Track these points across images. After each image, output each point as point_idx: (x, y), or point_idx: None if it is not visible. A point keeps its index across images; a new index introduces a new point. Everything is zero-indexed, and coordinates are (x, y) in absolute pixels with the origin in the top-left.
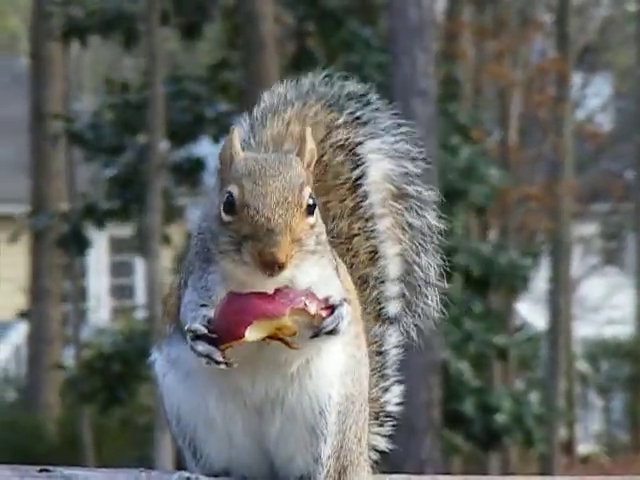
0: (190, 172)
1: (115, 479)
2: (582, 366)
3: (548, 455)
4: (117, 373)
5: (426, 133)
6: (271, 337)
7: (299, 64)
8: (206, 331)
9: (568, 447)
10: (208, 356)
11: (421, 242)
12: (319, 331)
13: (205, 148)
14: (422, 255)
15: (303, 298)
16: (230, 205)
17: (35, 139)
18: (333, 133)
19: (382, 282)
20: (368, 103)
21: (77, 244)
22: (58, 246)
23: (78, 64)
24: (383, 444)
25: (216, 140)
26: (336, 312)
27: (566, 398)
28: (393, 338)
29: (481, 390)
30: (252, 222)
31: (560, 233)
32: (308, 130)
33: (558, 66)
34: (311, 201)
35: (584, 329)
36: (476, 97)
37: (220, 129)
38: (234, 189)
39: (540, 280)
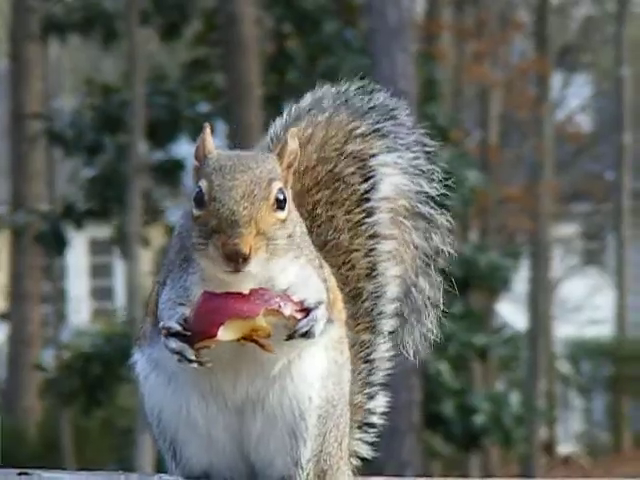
0: (169, 173)
1: None
2: (563, 366)
3: (528, 456)
4: (97, 375)
5: None
6: (245, 338)
7: (278, 65)
8: (180, 328)
9: (548, 447)
10: (180, 353)
11: (423, 264)
12: (293, 333)
13: (184, 149)
14: (421, 278)
15: (278, 299)
16: (199, 199)
17: (14, 140)
18: (349, 143)
19: (377, 297)
20: (392, 117)
21: (56, 243)
22: (36, 242)
23: (57, 66)
24: (365, 450)
25: (195, 140)
26: (311, 315)
27: (547, 398)
28: (383, 348)
29: (461, 391)
30: (217, 215)
31: (540, 234)
32: (292, 131)
33: (538, 67)
34: (281, 196)
35: (565, 329)
36: (456, 98)
37: (199, 129)
38: (203, 183)
39: (520, 281)
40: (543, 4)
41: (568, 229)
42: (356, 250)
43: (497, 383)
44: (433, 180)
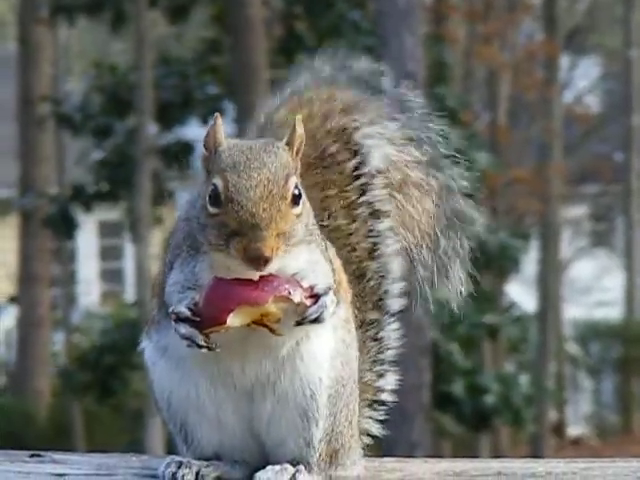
0: (179, 155)
1: (106, 464)
2: (572, 348)
3: (538, 437)
4: (110, 365)
5: None
6: (255, 322)
7: (287, 48)
8: (189, 314)
9: (558, 429)
10: (190, 339)
11: (440, 227)
12: (303, 319)
13: (194, 131)
14: (442, 239)
15: (287, 286)
16: (215, 198)
17: (23, 123)
18: (330, 119)
19: (382, 276)
20: (371, 87)
21: (65, 226)
22: (46, 226)
23: (66, 49)
24: (376, 429)
25: (205, 122)
26: (320, 301)
27: (556, 380)
28: (391, 326)
29: (471, 372)
30: (237, 217)
31: (549, 215)
32: (299, 117)
33: (547, 49)
34: (297, 191)
35: (574, 311)
36: (465, 80)
37: (209, 111)
38: (218, 181)
39: (530, 262)
40: None
41: (577, 210)
42: (355, 233)
43: (506, 365)
44: (423, 144)
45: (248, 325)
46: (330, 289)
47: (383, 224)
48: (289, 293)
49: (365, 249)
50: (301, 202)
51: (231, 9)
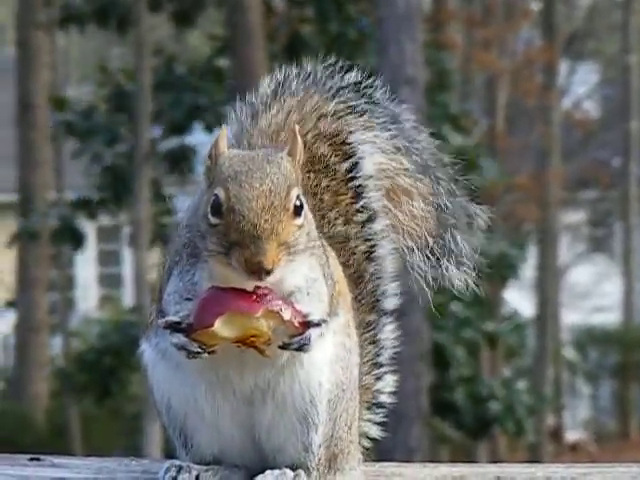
0: (181, 160)
1: (106, 468)
2: (570, 354)
3: (536, 443)
4: (109, 366)
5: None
6: (245, 343)
7: (293, 52)
8: (177, 320)
9: (556, 434)
10: (184, 347)
11: (411, 240)
12: (287, 345)
13: (197, 137)
14: (414, 254)
15: (280, 302)
16: (217, 208)
17: (22, 129)
18: (323, 122)
19: (378, 278)
20: (365, 95)
21: (72, 239)
22: (52, 243)
23: (65, 53)
24: (375, 431)
25: (208, 129)
26: (307, 332)
27: (554, 386)
28: (388, 328)
29: (472, 379)
30: (238, 228)
31: (548, 221)
32: (297, 127)
33: (546, 55)
34: (298, 202)
35: (572, 316)
36: (464, 86)
37: (213, 118)
38: (220, 192)
39: (528, 268)
40: None
41: (575, 216)
42: (353, 238)
43: (504, 371)
44: (412, 154)
45: (237, 346)
46: (324, 321)
47: (378, 225)
48: (280, 309)
49: (362, 252)
50: (303, 213)
51: (232, 15)
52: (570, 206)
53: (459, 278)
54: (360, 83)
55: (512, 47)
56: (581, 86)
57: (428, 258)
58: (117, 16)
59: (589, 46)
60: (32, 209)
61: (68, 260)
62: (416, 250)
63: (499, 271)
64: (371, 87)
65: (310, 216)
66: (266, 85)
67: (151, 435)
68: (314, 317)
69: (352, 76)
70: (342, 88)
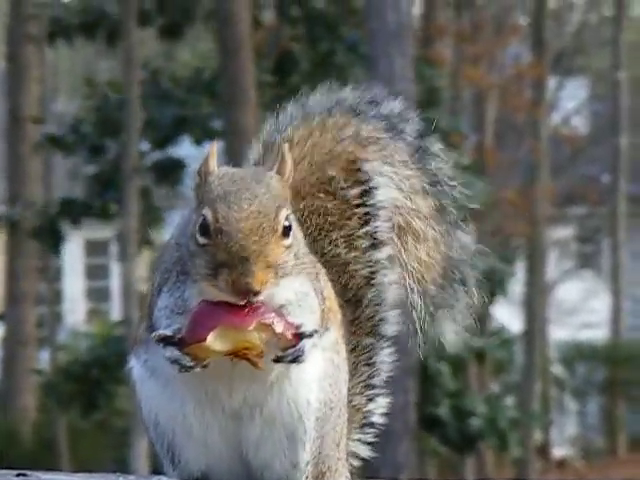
0: (169, 173)
1: None
2: (557, 370)
3: (523, 459)
4: (95, 379)
5: None
6: (237, 355)
7: (282, 68)
8: (170, 334)
9: (543, 451)
10: (177, 361)
11: (413, 284)
12: (281, 357)
13: (186, 149)
14: (414, 296)
15: (272, 315)
16: (205, 228)
17: (11, 142)
18: (340, 144)
19: (377, 304)
20: (396, 128)
21: (52, 238)
22: (32, 238)
23: (54, 66)
24: (364, 451)
25: (197, 142)
26: (301, 344)
27: (541, 402)
28: (385, 352)
29: (457, 394)
30: (226, 249)
31: (536, 237)
32: (285, 146)
33: (535, 71)
34: (287, 223)
35: (560, 333)
36: (453, 101)
37: (204, 131)
38: (208, 212)
39: (516, 283)
40: (540, 8)
41: (564, 232)
42: (354, 262)
43: (492, 386)
44: (428, 195)
45: (231, 358)
46: (316, 331)
47: (382, 254)
48: (273, 322)
49: (363, 277)
50: (291, 234)
51: (220, 27)
52: (558, 222)
53: (450, 333)
54: (390, 115)
55: (501, 62)
56: (570, 101)
57: (426, 305)
58: (106, 30)
59: (578, 62)
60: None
61: (56, 273)
62: (416, 293)
63: (487, 287)
64: (406, 121)
65: (300, 236)
66: (295, 105)
67: (139, 450)
68: (306, 328)
69: (390, 106)
70: (375, 117)
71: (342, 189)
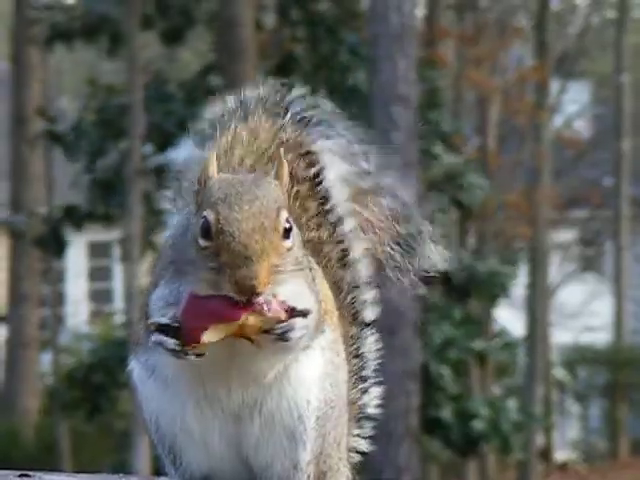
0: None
1: None
2: (560, 373)
3: (525, 462)
4: (98, 383)
5: (407, 139)
6: (235, 335)
7: (284, 70)
8: (168, 321)
9: (545, 454)
10: (173, 349)
11: (382, 235)
12: (269, 331)
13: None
14: (386, 247)
15: (261, 300)
16: (206, 231)
17: (15, 143)
18: (280, 134)
19: (356, 286)
20: (317, 106)
21: (55, 245)
22: (36, 246)
23: (58, 68)
24: (364, 445)
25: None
26: (291, 321)
27: (544, 405)
28: (370, 340)
29: (459, 397)
30: (228, 249)
31: (538, 240)
32: (281, 150)
33: (537, 74)
34: (287, 225)
35: (562, 336)
36: (456, 104)
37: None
38: (209, 214)
39: (518, 286)
40: (542, 10)
41: (566, 235)
42: (326, 241)
43: (494, 389)
44: (368, 157)
45: (226, 337)
46: (309, 312)
47: (347, 226)
48: (263, 308)
49: (337, 258)
50: (292, 235)
51: (224, 31)
52: (561, 225)
53: (436, 255)
54: (310, 101)
55: (504, 65)
56: (572, 105)
57: (400, 246)
58: (108, 34)
59: (581, 65)
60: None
61: (59, 275)
62: (387, 243)
63: (489, 289)
64: (320, 103)
65: (298, 238)
66: (215, 109)
67: (140, 451)
68: (298, 308)
69: (297, 90)
70: (288, 102)
71: (299, 173)
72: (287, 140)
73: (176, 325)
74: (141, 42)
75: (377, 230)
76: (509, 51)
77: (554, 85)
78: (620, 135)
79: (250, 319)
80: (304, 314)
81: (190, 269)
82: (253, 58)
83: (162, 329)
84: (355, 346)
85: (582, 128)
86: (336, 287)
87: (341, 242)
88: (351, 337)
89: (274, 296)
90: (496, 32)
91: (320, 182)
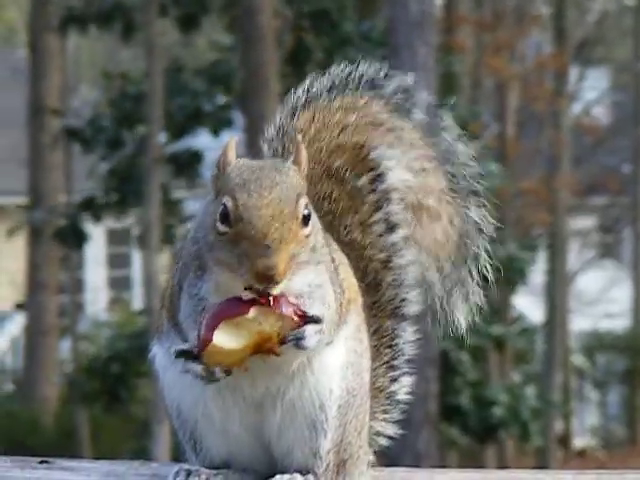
0: (188, 164)
1: (115, 471)
2: (578, 360)
3: (544, 448)
4: (117, 374)
5: None
6: (256, 351)
7: (297, 58)
8: (187, 347)
9: (564, 441)
10: (200, 375)
11: (428, 259)
12: (284, 339)
13: (203, 141)
14: (430, 273)
15: (271, 299)
16: (225, 217)
17: (33, 132)
18: (345, 133)
19: (397, 286)
20: (399, 108)
21: (75, 238)
22: (55, 240)
23: (76, 56)
24: (390, 430)
25: (214, 133)
26: (303, 327)
27: (562, 391)
28: (407, 333)
29: (478, 383)
30: (248, 236)
31: (557, 227)
32: (299, 136)
33: (557, 62)
34: (307, 212)
35: (581, 322)
36: (474, 91)
37: (219, 122)
38: (228, 200)
39: (537, 273)
40: None
41: (585, 222)
42: (370, 247)
43: (513, 376)
44: (442, 175)
45: (250, 354)
46: (321, 319)
47: (397, 235)
48: (272, 304)
49: (380, 260)
50: (311, 223)
51: (243, 18)
52: (580, 212)
53: (462, 313)
54: (403, 91)
55: (522, 51)
56: (591, 92)
57: (442, 282)
58: (123, 20)
59: (600, 52)
60: (39, 206)
61: (78, 263)
62: (432, 270)
63: (507, 275)
64: (415, 96)
65: (318, 225)
66: (312, 84)
67: (160, 438)
68: (313, 312)
69: (400, 81)
70: (382, 95)
71: (351, 178)
72: (348, 140)
73: (197, 350)
74: (159, 29)
75: (425, 252)
76: (528, 38)
77: (573, 72)
78: (639, 122)
79: (264, 323)
80: (316, 320)
81: (209, 258)
82: (272, 44)
83: (186, 356)
84: (389, 337)
85: (601, 115)
86: (375, 284)
87: (385, 250)
88: (385, 329)
89: (284, 297)
90: (514, 19)
91: (373, 190)
